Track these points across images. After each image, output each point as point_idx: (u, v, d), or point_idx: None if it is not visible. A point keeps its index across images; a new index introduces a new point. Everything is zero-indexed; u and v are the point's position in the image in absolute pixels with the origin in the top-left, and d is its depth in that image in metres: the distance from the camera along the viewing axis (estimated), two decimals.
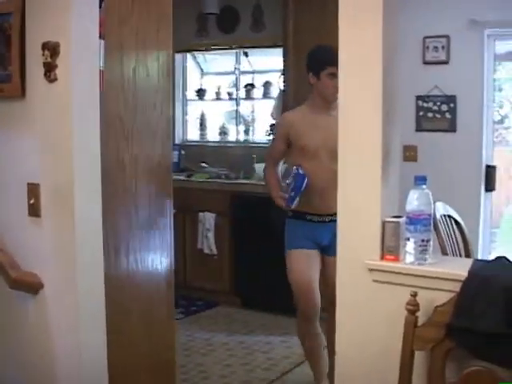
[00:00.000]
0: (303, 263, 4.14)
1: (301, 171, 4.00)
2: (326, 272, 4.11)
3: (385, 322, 2.54)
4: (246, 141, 7.32)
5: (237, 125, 7.45)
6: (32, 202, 2.96)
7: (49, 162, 2.93)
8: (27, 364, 3.12)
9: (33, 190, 2.96)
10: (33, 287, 2.97)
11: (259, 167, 5.93)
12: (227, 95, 7.46)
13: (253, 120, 7.36)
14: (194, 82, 7.79)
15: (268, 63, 7.09)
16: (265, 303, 6.10)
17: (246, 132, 7.36)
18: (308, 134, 4.12)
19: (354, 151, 2.60)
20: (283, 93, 6.41)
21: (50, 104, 2.89)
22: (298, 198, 4.02)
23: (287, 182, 4.11)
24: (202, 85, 7.69)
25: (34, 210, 2.96)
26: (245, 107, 7.44)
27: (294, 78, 6.10)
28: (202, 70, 7.84)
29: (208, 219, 6.42)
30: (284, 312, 5.64)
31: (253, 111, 7.38)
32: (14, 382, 3.19)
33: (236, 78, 7.44)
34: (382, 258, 2.54)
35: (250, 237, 6.19)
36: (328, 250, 4.03)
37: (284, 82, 6.34)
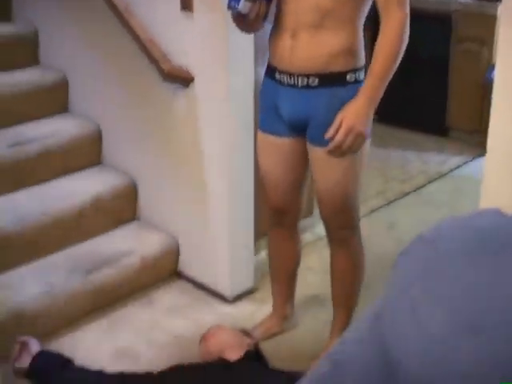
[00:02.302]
0: (270, 157, 2.68)
1: None
2: (313, 172, 2.62)
3: None
4: None
5: None
6: None
7: None
8: (177, 152, 3.28)
9: None
10: (184, 80, 3.05)
11: None
12: None
13: None
14: None
15: None
16: (400, 119, 5.92)
17: None
18: None
19: None
20: None
21: None
22: None
23: None
24: None
25: (187, 4, 2.97)
26: None
27: None
28: None
29: None
30: (419, 129, 5.59)
31: None
32: (157, 168, 3.38)
33: None
34: None
35: None
36: (309, 133, 2.52)
37: None
